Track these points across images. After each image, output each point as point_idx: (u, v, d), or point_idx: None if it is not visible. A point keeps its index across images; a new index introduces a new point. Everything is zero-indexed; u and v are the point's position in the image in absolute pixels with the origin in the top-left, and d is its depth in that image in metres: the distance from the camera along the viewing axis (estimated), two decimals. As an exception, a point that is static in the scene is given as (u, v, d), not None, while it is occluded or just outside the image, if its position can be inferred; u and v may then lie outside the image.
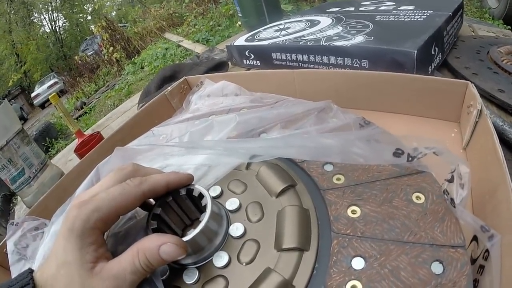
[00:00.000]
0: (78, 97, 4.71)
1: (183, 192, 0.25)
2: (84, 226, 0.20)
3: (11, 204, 0.83)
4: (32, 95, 8.93)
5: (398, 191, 0.25)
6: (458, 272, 0.20)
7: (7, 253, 0.42)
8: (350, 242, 0.22)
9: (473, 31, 0.66)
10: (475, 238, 0.24)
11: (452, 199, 0.22)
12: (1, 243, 0.44)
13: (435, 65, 0.49)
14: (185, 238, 0.22)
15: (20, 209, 0.69)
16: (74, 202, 0.22)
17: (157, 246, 0.21)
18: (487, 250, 0.21)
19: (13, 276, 0.39)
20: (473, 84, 0.35)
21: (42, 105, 8.78)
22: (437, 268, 0.20)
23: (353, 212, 0.24)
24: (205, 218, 0.22)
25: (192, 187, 0.25)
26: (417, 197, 0.24)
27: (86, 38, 10.04)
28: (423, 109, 0.42)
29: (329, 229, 0.23)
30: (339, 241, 0.22)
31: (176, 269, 0.24)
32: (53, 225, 0.40)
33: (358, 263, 0.21)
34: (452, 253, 0.21)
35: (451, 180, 0.24)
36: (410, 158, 0.25)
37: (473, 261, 0.23)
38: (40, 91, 8.63)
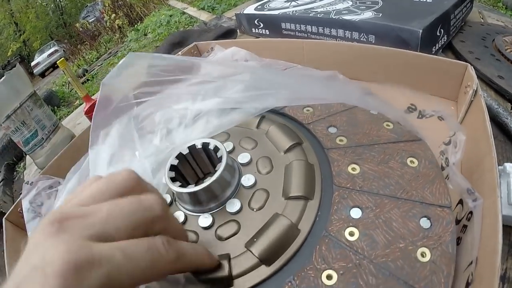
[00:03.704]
0: (80, 65, 4.65)
1: (199, 145, 0.27)
2: None
3: (15, 173, 0.85)
4: (32, 64, 8.79)
5: (394, 154, 0.27)
6: (443, 228, 0.22)
7: (21, 213, 0.44)
8: (350, 194, 0.25)
9: (482, 18, 0.66)
10: (460, 202, 0.26)
11: (447, 158, 0.25)
12: (15, 203, 0.46)
13: (439, 46, 0.51)
14: (202, 186, 0.25)
15: (29, 173, 0.71)
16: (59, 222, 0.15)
17: None
18: (470, 212, 0.24)
19: (29, 233, 0.42)
20: (472, 67, 0.37)
21: (42, 74, 8.67)
22: (425, 223, 0.22)
23: (353, 169, 0.26)
24: (220, 168, 0.25)
25: (207, 141, 0.27)
26: (411, 161, 0.26)
27: (87, 5, 9.78)
28: (424, 86, 0.43)
29: (331, 182, 0.25)
30: (340, 193, 0.25)
31: (192, 215, 0.27)
32: (69, 182, 0.42)
33: (356, 213, 0.24)
34: (439, 211, 0.23)
35: (448, 143, 0.26)
36: (420, 116, 0.27)
37: (458, 221, 0.26)
38: (40, 59, 8.50)
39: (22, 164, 0.85)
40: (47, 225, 0.15)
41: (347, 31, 0.54)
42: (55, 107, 2.91)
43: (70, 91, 3.49)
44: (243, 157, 0.28)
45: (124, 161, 0.33)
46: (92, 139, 0.35)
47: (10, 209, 0.45)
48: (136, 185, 0.19)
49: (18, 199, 0.45)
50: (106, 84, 0.34)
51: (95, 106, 0.34)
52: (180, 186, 0.25)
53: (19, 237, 0.44)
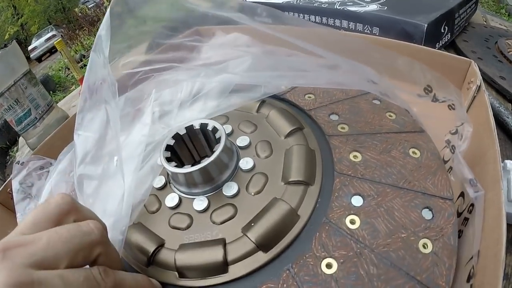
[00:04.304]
0: (77, 50, 4.60)
1: (197, 126, 0.26)
2: None
3: (7, 157, 0.84)
4: (29, 48, 8.67)
5: (396, 144, 0.26)
6: (445, 220, 0.21)
7: (11, 193, 0.43)
8: (351, 181, 0.24)
9: (485, 21, 0.67)
10: (462, 195, 0.26)
11: (453, 146, 0.24)
12: (5, 183, 0.44)
13: (443, 43, 0.51)
14: (198, 166, 0.24)
15: (21, 155, 0.70)
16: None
17: None
18: (471, 204, 0.23)
19: (17, 214, 0.40)
20: (475, 64, 0.36)
21: (39, 59, 8.57)
22: (427, 214, 0.22)
23: (355, 157, 0.26)
24: (218, 149, 0.24)
25: (206, 122, 0.26)
26: (413, 152, 0.26)
27: (87, -10, 9.65)
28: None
29: (332, 169, 0.25)
30: (341, 179, 0.24)
31: (186, 198, 0.26)
32: (60, 163, 0.41)
33: (357, 201, 0.23)
34: (441, 203, 0.22)
35: (455, 133, 0.26)
36: (434, 99, 0.26)
37: (459, 214, 0.25)
38: (37, 44, 8.39)
39: (15, 148, 0.84)
40: None
41: (351, 22, 0.54)
42: (51, 92, 2.88)
43: (67, 76, 3.45)
44: (242, 140, 0.27)
45: (111, 146, 0.31)
46: (78, 122, 0.34)
47: (0, 189, 0.44)
48: (71, 209, 0.19)
49: (8, 179, 0.44)
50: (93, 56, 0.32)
51: (82, 84, 0.32)
52: (175, 166, 0.25)
53: (7, 218, 0.43)
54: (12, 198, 0.42)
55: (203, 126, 0.26)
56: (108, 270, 0.18)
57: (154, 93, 0.34)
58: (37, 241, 0.17)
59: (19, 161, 0.45)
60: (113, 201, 0.26)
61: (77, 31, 5.80)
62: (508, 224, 0.29)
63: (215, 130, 0.26)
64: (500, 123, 0.39)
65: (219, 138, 0.25)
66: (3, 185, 0.44)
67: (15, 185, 0.43)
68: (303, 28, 0.34)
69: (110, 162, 0.30)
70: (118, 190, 0.25)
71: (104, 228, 0.20)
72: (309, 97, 0.32)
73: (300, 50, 0.37)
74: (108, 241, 0.20)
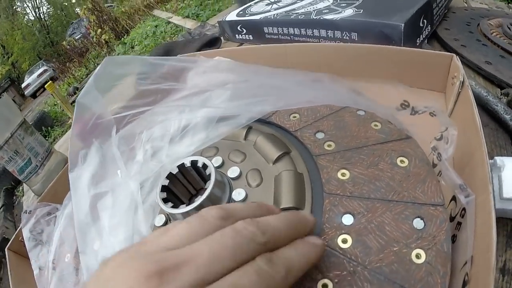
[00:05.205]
0: (70, 83, 4.66)
1: (188, 163, 0.27)
2: None
3: (14, 197, 0.85)
4: (23, 85, 8.79)
5: (383, 156, 0.27)
6: (437, 228, 0.22)
7: (23, 241, 0.44)
8: (340, 201, 0.25)
9: (465, 2, 0.66)
10: (453, 198, 0.26)
11: (439, 153, 0.25)
12: (16, 232, 0.46)
13: (423, 37, 0.51)
14: (193, 205, 0.24)
15: (27, 199, 0.71)
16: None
17: None
18: (463, 209, 0.24)
19: (32, 261, 0.42)
20: (458, 57, 0.37)
21: (34, 95, 8.66)
22: (418, 223, 0.22)
23: (343, 174, 0.26)
24: (210, 185, 0.25)
25: (196, 159, 0.27)
26: (401, 161, 0.26)
27: (72, 22, 9.77)
28: (412, 80, 0.43)
29: (321, 190, 0.26)
30: (331, 200, 0.25)
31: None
32: (66, 208, 0.42)
33: (347, 219, 0.23)
34: (432, 210, 0.23)
35: (440, 139, 0.26)
36: (413, 112, 0.27)
37: (452, 218, 0.26)
38: (30, 80, 8.50)
39: (20, 188, 0.85)
40: (143, 281, 0.14)
41: (329, 31, 0.54)
42: (49, 128, 2.91)
43: (62, 110, 3.48)
44: (233, 171, 0.28)
45: (107, 181, 0.32)
46: (71, 160, 0.35)
47: (12, 239, 0.45)
48: (228, 216, 0.18)
49: (18, 229, 0.46)
50: (81, 103, 0.33)
51: (71, 126, 0.33)
52: (172, 206, 0.25)
53: (23, 265, 0.44)
54: (24, 246, 0.43)
55: (194, 163, 0.27)
56: (271, 255, 0.16)
57: (145, 132, 0.35)
58: (198, 255, 0.15)
59: (26, 210, 0.47)
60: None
61: (67, 64, 5.89)
62: (506, 219, 0.29)
63: (205, 166, 0.27)
64: (490, 112, 0.38)
65: (210, 174, 0.25)
66: (14, 235, 0.46)
67: (25, 233, 0.45)
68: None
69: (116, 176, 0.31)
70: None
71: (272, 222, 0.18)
72: (294, 117, 0.33)
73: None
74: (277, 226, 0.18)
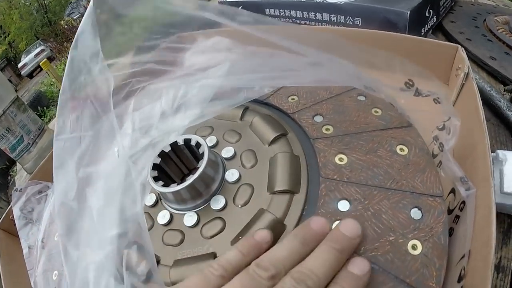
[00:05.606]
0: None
1: (181, 142, 0.26)
2: None
3: (9, 177, 0.84)
4: (19, 65, 8.65)
5: (383, 142, 0.26)
6: (435, 219, 0.21)
7: (13, 220, 0.43)
8: (337, 186, 0.24)
9: None
10: (452, 191, 0.25)
11: (441, 143, 0.24)
12: (7, 210, 0.45)
13: (428, 27, 0.50)
14: (184, 184, 0.24)
15: (20, 178, 0.71)
16: None
17: None
18: (463, 202, 0.23)
19: (21, 240, 0.41)
20: (463, 48, 0.35)
21: (30, 75, 8.55)
22: (416, 214, 0.22)
23: (340, 159, 0.25)
24: (202, 164, 0.24)
25: (189, 137, 0.26)
26: (401, 149, 0.25)
27: (71, 2, 9.59)
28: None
29: (318, 174, 0.25)
30: (327, 185, 0.24)
31: (177, 214, 0.26)
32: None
33: (344, 206, 0.23)
34: (430, 201, 0.22)
35: (442, 128, 0.25)
36: (417, 93, 0.26)
37: (450, 211, 0.25)
38: (27, 60, 8.37)
39: (15, 168, 0.84)
40: None
41: (332, 15, 0.53)
42: (45, 108, 2.88)
43: (59, 90, 3.44)
44: (227, 151, 0.27)
45: (98, 158, 0.30)
46: (59, 126, 0.32)
47: (2, 217, 0.45)
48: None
49: (9, 207, 0.45)
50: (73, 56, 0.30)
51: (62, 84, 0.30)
52: (163, 185, 0.25)
53: (13, 244, 0.44)
54: (15, 224, 0.43)
55: (187, 142, 0.26)
56: (259, 262, 0.18)
57: (133, 102, 0.34)
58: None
59: (17, 188, 0.46)
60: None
61: (65, 44, 5.77)
62: (503, 216, 0.29)
63: (198, 145, 0.26)
64: (492, 107, 0.38)
65: (203, 153, 0.25)
66: (5, 213, 0.45)
67: (16, 212, 0.44)
68: (283, 27, 0.34)
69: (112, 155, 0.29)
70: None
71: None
72: (293, 99, 0.32)
73: (282, 49, 0.37)
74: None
